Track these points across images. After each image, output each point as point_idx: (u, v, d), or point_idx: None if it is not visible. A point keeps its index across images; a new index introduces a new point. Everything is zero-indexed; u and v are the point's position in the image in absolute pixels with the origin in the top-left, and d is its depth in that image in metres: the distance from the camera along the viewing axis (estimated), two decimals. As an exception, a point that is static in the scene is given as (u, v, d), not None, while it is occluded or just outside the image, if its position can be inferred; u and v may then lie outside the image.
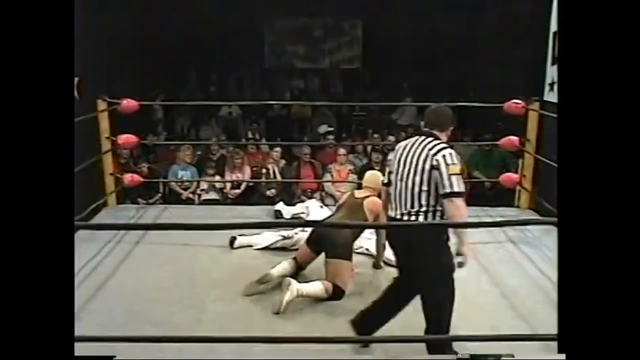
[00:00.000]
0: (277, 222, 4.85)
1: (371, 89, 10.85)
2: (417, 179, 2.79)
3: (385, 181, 3.09)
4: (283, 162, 7.31)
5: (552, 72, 5.04)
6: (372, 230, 4.25)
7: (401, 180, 2.86)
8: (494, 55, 9.44)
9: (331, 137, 8.34)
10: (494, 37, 9.53)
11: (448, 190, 2.70)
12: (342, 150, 6.95)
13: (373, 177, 4.03)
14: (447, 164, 2.72)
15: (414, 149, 2.85)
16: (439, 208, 2.79)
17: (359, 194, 4.01)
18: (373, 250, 4.17)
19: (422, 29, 10.45)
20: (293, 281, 3.48)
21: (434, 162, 2.75)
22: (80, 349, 1.97)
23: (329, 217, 4.31)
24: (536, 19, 5.51)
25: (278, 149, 7.22)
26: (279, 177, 6.89)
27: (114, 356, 2.33)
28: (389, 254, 4.03)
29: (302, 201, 5.76)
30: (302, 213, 5.11)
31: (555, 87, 4.90)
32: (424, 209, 2.80)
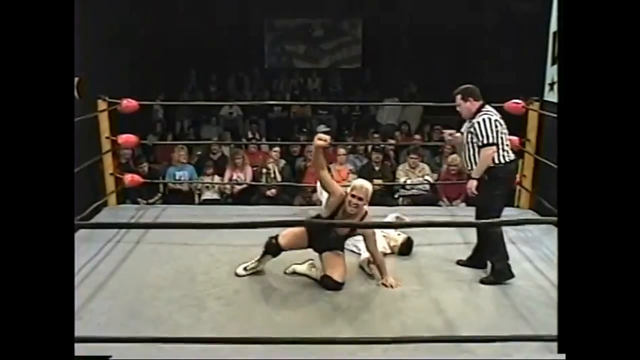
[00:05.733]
0: (275, 222, 4.82)
1: (371, 88, 10.85)
2: None
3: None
4: (283, 161, 7.31)
5: (552, 72, 5.04)
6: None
7: None
8: (494, 55, 9.45)
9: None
10: (494, 37, 9.54)
11: None
12: (342, 150, 6.95)
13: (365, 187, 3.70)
14: None
15: None
16: None
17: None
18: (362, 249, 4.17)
19: (422, 29, 10.45)
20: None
21: None
22: (80, 348, 1.97)
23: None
24: (536, 19, 5.51)
25: (277, 148, 7.22)
26: (279, 177, 6.89)
27: (110, 356, 2.34)
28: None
29: None
30: None
31: (555, 87, 4.90)
32: None
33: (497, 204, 3.73)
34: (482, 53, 9.82)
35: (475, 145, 3.76)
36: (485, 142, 3.69)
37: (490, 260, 3.84)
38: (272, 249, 3.79)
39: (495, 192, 3.73)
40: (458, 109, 3.90)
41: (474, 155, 3.78)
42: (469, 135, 3.80)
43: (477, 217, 3.84)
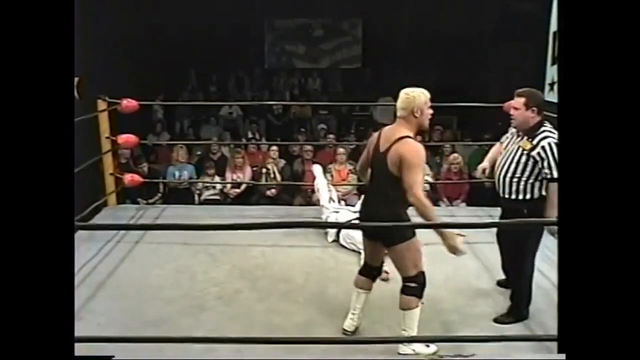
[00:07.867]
0: (278, 223, 4.83)
1: (371, 88, 10.86)
2: None
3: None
4: (282, 161, 7.32)
5: (552, 72, 5.04)
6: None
7: None
8: (494, 55, 9.45)
9: (332, 136, 8.35)
10: (494, 37, 9.55)
11: None
12: (341, 150, 6.95)
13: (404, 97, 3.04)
14: None
15: None
16: None
17: (385, 140, 2.94)
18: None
19: (422, 29, 10.46)
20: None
21: None
22: (80, 348, 1.97)
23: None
24: (536, 19, 5.52)
25: (276, 148, 7.23)
26: (278, 177, 6.90)
27: (113, 356, 2.34)
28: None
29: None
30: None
31: (555, 87, 4.90)
32: None
33: (536, 241, 3.26)
34: (482, 53, 9.82)
35: (538, 173, 3.12)
36: (556, 175, 2.99)
37: (515, 303, 3.38)
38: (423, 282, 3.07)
39: (536, 228, 3.24)
40: (513, 112, 3.21)
41: (528, 180, 3.17)
42: (527, 158, 3.14)
43: (510, 252, 3.43)
